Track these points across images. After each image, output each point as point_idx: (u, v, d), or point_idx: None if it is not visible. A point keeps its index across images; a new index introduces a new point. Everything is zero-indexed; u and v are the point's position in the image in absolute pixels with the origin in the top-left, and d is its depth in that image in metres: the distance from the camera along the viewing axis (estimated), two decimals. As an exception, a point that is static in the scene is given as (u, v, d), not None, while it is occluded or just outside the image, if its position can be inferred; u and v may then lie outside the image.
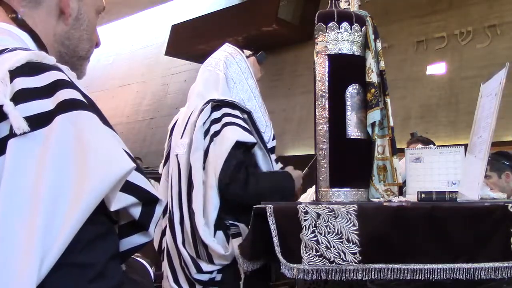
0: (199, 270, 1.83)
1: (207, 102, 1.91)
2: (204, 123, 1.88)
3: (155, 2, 10.62)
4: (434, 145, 2.88)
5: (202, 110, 1.89)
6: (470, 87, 5.45)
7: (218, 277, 1.85)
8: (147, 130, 10.87)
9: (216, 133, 1.87)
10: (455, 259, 1.38)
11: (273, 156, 2.04)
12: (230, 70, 2.02)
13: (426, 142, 3.25)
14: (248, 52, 2.14)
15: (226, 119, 1.88)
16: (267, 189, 1.87)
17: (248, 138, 1.88)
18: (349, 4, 1.94)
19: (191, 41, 8.78)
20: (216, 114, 1.89)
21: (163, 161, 2.09)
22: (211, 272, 1.84)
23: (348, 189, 1.79)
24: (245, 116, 1.94)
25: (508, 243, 1.35)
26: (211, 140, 1.86)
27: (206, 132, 1.87)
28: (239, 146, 1.84)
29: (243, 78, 2.03)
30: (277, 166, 2.05)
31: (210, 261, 1.83)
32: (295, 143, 6.83)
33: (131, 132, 11.10)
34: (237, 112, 1.91)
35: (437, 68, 6.14)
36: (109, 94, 11.47)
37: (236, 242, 1.79)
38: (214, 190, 1.82)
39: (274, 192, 1.88)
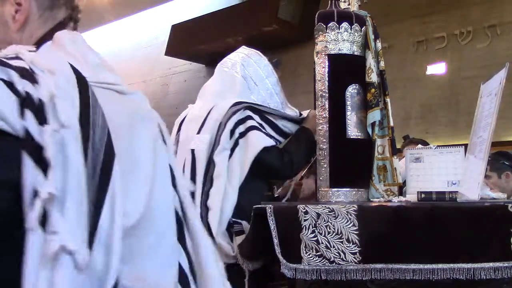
0: None
1: (237, 104, 1.93)
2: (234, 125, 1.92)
3: (155, 2, 10.61)
4: (427, 145, 2.87)
5: (234, 112, 1.91)
6: (470, 87, 5.44)
7: None
8: (147, 130, 10.85)
9: (241, 135, 1.90)
10: (455, 259, 1.38)
11: None
12: (248, 70, 2.04)
13: (421, 144, 3.22)
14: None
15: (250, 122, 1.92)
16: (303, 156, 1.99)
17: (271, 142, 1.93)
18: (349, 4, 1.94)
19: (191, 41, 8.77)
20: (240, 115, 1.93)
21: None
22: None
23: (348, 189, 1.79)
24: (265, 117, 1.98)
25: (508, 243, 1.36)
26: (236, 142, 1.90)
27: (231, 133, 1.90)
28: (266, 149, 1.90)
29: (263, 77, 2.05)
30: None
31: None
32: (295, 143, 6.81)
33: (131, 132, 11.07)
34: (256, 117, 1.95)
35: (437, 68, 6.14)
36: (109, 94, 11.45)
37: (239, 240, 1.80)
38: (235, 189, 1.86)
39: (308, 154, 2.01)
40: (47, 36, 0.85)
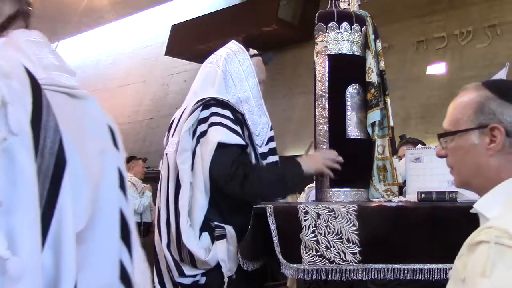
0: (182, 273, 1.77)
1: (199, 101, 1.84)
2: (193, 123, 1.81)
3: (155, 2, 10.61)
4: (425, 145, 2.86)
5: (193, 110, 1.82)
6: (470, 87, 5.44)
7: (202, 280, 1.77)
8: (147, 130, 10.87)
9: (202, 134, 1.80)
10: (455, 259, 1.38)
11: (275, 158, 1.97)
12: (230, 67, 1.93)
13: (416, 143, 3.20)
14: (253, 51, 2.05)
15: (213, 119, 1.80)
16: (267, 184, 1.78)
17: (233, 139, 1.78)
18: (349, 4, 1.94)
19: (191, 41, 8.78)
20: (204, 114, 1.81)
21: (162, 160, 2.05)
22: (194, 276, 1.77)
23: (348, 189, 1.79)
24: (239, 116, 1.85)
25: (508, 243, 1.35)
26: (197, 141, 1.80)
27: (193, 133, 1.81)
28: (223, 147, 1.76)
29: (243, 77, 1.93)
30: None
31: (193, 265, 1.76)
32: (295, 143, 6.83)
33: (131, 132, 11.09)
34: (227, 112, 1.81)
35: (437, 68, 6.15)
36: (109, 94, 11.46)
37: (220, 244, 1.73)
38: (202, 191, 1.77)
39: (274, 186, 1.80)
40: None
